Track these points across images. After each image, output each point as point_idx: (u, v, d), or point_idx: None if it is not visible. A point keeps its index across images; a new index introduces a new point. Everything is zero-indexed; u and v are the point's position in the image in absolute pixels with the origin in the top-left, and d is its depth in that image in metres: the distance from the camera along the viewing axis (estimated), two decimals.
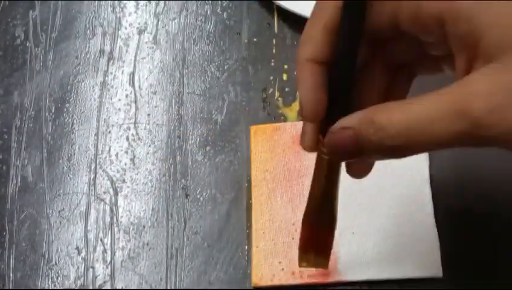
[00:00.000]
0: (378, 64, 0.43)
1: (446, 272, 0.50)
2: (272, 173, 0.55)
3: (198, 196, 0.56)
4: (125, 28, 0.64)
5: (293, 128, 0.57)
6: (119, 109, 0.61)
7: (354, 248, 0.52)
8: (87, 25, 0.65)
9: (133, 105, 0.61)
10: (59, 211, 0.57)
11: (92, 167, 0.58)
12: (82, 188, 0.58)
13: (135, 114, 0.60)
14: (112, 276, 0.54)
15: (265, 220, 0.54)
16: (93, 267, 0.55)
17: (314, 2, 0.60)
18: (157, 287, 0.53)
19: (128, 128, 0.60)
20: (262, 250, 0.53)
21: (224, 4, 0.64)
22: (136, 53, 0.63)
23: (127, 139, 0.59)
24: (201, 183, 0.57)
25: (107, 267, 0.55)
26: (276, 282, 0.52)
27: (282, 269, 0.52)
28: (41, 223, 0.57)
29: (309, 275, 0.51)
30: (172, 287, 0.53)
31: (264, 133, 0.57)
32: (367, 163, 0.45)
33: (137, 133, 0.59)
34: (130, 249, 0.55)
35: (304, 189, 0.54)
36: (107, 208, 0.57)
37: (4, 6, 0.67)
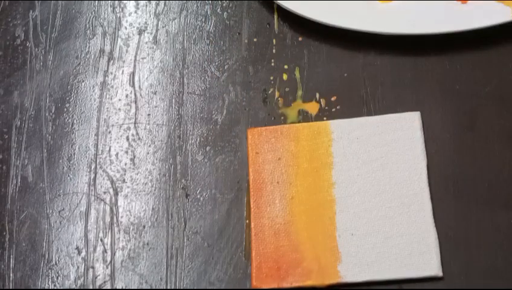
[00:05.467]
0: None
1: (446, 272, 0.51)
2: (269, 176, 0.55)
3: (198, 196, 0.56)
4: (125, 28, 0.64)
5: (290, 130, 0.57)
6: (119, 109, 0.61)
7: (353, 249, 0.52)
8: (87, 25, 0.65)
9: (133, 105, 0.61)
10: (59, 211, 0.57)
11: (92, 167, 0.58)
12: (82, 188, 0.58)
13: (135, 114, 0.60)
14: (112, 276, 0.54)
15: (264, 222, 0.54)
16: (93, 267, 0.55)
17: (314, 2, 0.60)
18: (157, 287, 0.53)
19: (128, 128, 0.60)
20: (262, 253, 0.53)
21: (224, 4, 0.64)
22: (136, 53, 0.63)
23: (127, 139, 0.59)
24: (201, 183, 0.57)
25: (107, 267, 0.55)
26: (276, 284, 0.52)
27: (282, 271, 0.52)
28: (41, 223, 0.57)
29: (308, 277, 0.51)
30: (172, 287, 0.53)
31: (261, 135, 0.57)
32: None
33: (137, 133, 0.59)
34: (130, 249, 0.55)
35: (302, 190, 0.54)
36: (107, 208, 0.57)
37: (4, 6, 0.67)
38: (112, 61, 0.63)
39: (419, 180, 0.53)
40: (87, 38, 0.64)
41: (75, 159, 0.59)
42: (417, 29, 0.58)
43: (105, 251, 0.55)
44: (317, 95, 0.59)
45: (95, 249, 0.55)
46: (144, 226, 0.56)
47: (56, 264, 0.55)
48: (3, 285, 0.55)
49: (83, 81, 0.62)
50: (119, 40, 0.64)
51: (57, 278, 0.55)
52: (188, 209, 0.56)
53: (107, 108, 0.61)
